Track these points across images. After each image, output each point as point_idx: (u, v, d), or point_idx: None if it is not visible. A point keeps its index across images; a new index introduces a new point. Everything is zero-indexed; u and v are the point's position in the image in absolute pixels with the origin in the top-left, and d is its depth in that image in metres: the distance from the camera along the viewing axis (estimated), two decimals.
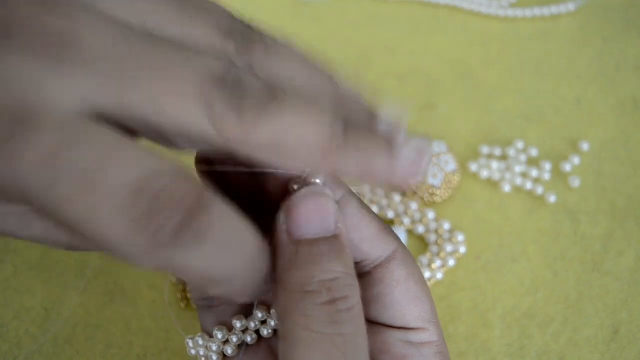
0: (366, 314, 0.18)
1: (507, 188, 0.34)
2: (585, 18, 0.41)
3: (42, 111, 0.14)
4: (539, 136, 0.36)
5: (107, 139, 0.14)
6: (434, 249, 0.32)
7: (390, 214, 0.33)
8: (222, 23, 0.17)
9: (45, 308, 0.31)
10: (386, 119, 0.17)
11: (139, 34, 0.15)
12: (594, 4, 0.42)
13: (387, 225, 0.20)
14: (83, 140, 0.14)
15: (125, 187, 0.14)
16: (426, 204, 0.33)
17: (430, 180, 0.33)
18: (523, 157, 0.35)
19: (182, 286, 0.31)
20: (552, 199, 0.33)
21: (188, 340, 0.23)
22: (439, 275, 0.31)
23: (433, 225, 0.32)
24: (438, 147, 0.34)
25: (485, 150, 0.35)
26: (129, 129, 0.16)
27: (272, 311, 0.22)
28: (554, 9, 0.42)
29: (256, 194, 0.19)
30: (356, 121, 0.17)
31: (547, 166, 0.34)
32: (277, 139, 0.16)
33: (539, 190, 0.33)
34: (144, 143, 0.16)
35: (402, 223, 0.33)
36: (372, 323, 0.20)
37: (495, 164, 0.34)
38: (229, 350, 0.22)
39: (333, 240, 0.17)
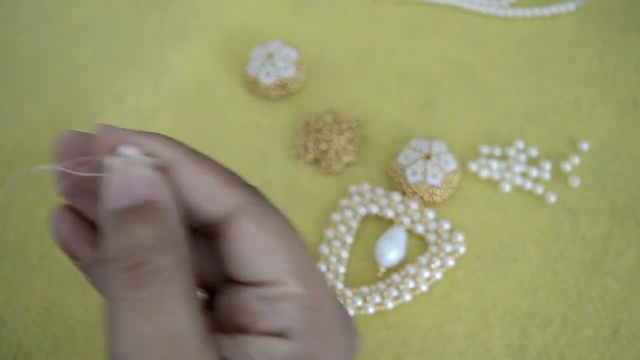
0: (223, 272, 0.18)
1: (507, 188, 0.34)
2: (585, 18, 0.41)
3: None
4: (539, 136, 0.36)
5: None
6: (434, 249, 0.32)
7: (390, 214, 0.33)
8: None
9: (44, 307, 0.31)
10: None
11: None
12: (594, 4, 0.42)
13: (237, 177, 0.19)
14: None
15: None
16: (426, 204, 0.33)
17: (430, 180, 0.33)
18: (523, 157, 0.35)
19: None
20: (552, 198, 0.33)
21: None
22: (439, 275, 0.31)
23: (433, 225, 0.32)
24: (438, 146, 0.34)
25: (485, 150, 0.35)
26: None
27: None
28: (554, 9, 0.42)
29: None
30: None
31: (547, 166, 0.34)
32: None
33: (539, 190, 0.33)
34: None
35: (401, 223, 0.33)
36: (230, 282, 0.19)
37: (495, 164, 0.34)
38: None
39: (143, 206, 0.17)
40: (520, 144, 0.35)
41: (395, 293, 0.31)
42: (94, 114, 0.39)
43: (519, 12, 0.42)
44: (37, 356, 0.30)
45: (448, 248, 0.31)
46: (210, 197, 0.18)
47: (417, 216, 0.33)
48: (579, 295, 0.30)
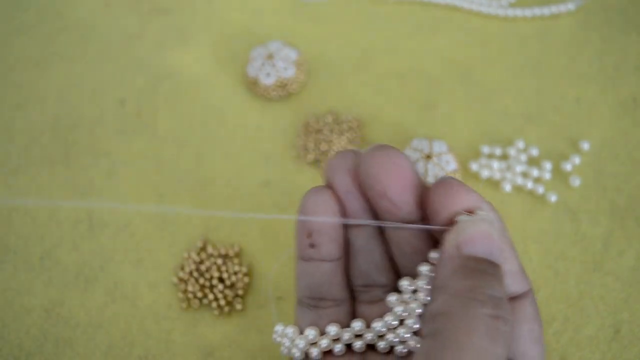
0: None
1: (507, 188, 0.34)
2: (585, 18, 0.41)
3: None
4: (539, 136, 0.36)
5: None
6: None
7: None
8: None
9: (45, 309, 0.31)
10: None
11: None
12: (594, 4, 0.42)
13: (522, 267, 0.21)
14: None
15: None
16: None
17: (431, 180, 0.33)
18: (523, 157, 0.35)
19: (184, 287, 0.31)
20: (553, 198, 0.33)
21: (278, 326, 0.23)
22: None
23: None
24: (439, 146, 0.34)
25: (485, 149, 0.35)
26: None
27: (375, 325, 0.22)
28: (554, 9, 0.42)
29: None
30: None
31: (548, 166, 0.34)
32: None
33: (540, 189, 0.33)
34: None
35: None
36: None
37: (495, 164, 0.34)
38: (314, 353, 0.22)
39: (496, 265, 0.19)
40: (520, 144, 0.35)
41: None
42: (96, 118, 0.39)
43: (519, 12, 0.42)
44: (38, 358, 0.30)
45: None
46: (512, 275, 0.20)
47: None
48: (580, 295, 0.30)
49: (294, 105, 0.39)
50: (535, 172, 0.34)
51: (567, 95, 0.38)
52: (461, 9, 0.43)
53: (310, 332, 0.22)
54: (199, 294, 0.31)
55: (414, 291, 0.21)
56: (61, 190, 0.36)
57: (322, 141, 0.36)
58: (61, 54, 0.43)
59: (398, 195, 0.21)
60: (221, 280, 0.31)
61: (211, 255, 0.32)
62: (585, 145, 0.35)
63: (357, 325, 0.22)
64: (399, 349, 0.22)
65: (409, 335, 0.21)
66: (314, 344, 0.22)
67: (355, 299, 0.23)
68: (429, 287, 0.20)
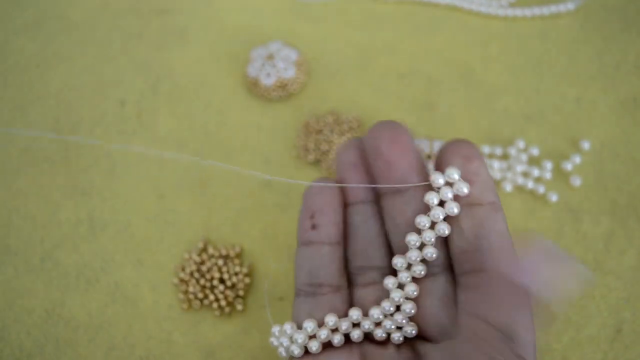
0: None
1: (508, 187, 0.34)
2: (585, 17, 0.42)
3: None
4: (539, 135, 0.36)
5: None
6: None
7: None
8: None
9: (46, 310, 0.31)
10: None
11: None
12: (593, 4, 0.42)
13: None
14: None
15: None
16: None
17: None
18: (524, 157, 0.35)
19: (185, 288, 0.31)
20: (554, 198, 0.33)
21: (275, 328, 0.23)
22: None
23: None
24: (439, 146, 0.34)
25: (486, 149, 0.35)
26: None
27: (373, 312, 0.22)
28: (554, 9, 0.42)
29: None
30: None
31: (549, 165, 0.34)
32: None
33: (541, 189, 0.33)
34: None
35: None
36: None
37: (496, 164, 0.34)
38: (314, 347, 0.22)
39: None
40: (521, 144, 0.35)
41: None
42: (96, 118, 0.39)
43: (518, 12, 0.42)
44: (39, 359, 0.30)
45: None
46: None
47: None
48: (581, 295, 0.30)
49: (294, 106, 0.39)
50: (535, 172, 0.34)
51: (567, 95, 0.38)
52: (461, 9, 0.43)
53: (309, 325, 0.22)
54: (200, 295, 0.31)
55: (409, 266, 0.22)
56: (61, 190, 0.36)
57: (322, 141, 0.35)
58: (61, 54, 0.43)
59: (394, 155, 0.21)
60: (222, 281, 0.31)
61: (212, 256, 0.32)
62: (586, 145, 0.35)
63: (354, 314, 0.22)
64: (396, 336, 0.22)
65: (405, 321, 0.22)
66: (312, 336, 0.22)
67: (351, 285, 0.24)
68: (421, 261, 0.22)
